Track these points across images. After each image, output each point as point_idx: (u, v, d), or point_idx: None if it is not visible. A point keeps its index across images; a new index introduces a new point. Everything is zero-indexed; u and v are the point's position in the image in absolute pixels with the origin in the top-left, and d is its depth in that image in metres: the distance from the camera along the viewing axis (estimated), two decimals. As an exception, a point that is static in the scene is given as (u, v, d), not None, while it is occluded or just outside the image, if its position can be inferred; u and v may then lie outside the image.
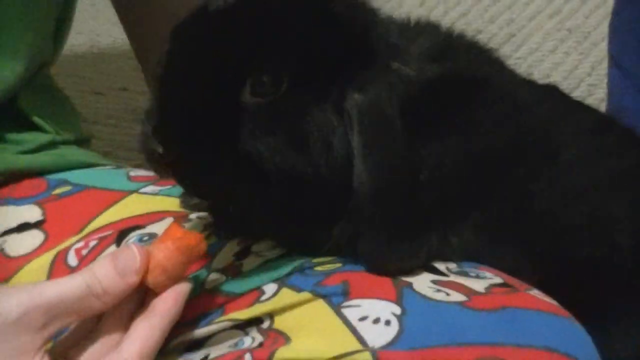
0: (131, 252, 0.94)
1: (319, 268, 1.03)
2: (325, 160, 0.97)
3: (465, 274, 1.03)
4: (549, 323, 0.99)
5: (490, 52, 1.13)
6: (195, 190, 1.00)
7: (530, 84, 1.17)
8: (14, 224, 1.13)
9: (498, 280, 1.03)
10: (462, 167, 1.03)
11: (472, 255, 1.05)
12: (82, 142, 1.29)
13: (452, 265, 1.04)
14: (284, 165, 0.96)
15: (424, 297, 0.98)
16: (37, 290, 0.92)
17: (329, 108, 0.97)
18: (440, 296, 0.99)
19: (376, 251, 1.00)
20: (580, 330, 1.01)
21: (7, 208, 1.15)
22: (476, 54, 1.11)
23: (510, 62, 1.18)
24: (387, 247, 1.00)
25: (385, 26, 1.03)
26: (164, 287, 0.96)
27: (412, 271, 1.01)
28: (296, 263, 1.03)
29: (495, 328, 0.96)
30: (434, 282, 1.01)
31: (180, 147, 0.95)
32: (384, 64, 0.99)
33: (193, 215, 1.10)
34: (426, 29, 1.09)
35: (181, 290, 0.96)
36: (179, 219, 1.10)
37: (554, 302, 1.01)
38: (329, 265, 1.03)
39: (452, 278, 1.02)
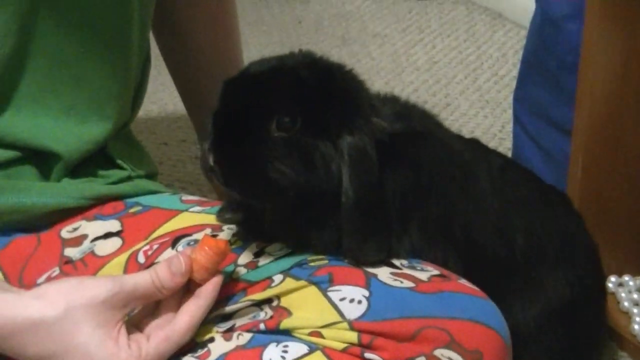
0: (179, 259, 0.95)
1: (312, 263, 1.01)
2: (326, 179, 0.97)
3: (413, 268, 1.02)
4: (473, 302, 0.98)
5: (433, 116, 1.15)
6: (237, 193, 0.99)
7: (459, 137, 1.19)
8: (101, 233, 1.11)
9: (436, 272, 1.02)
10: (412, 189, 1.03)
11: (417, 253, 1.04)
12: (151, 176, 1.27)
13: (405, 262, 1.03)
14: (298, 180, 0.96)
15: (385, 284, 0.97)
16: (120, 280, 0.92)
17: (329, 144, 0.98)
18: (396, 283, 0.98)
19: (356, 246, 1.00)
20: (494, 307, 1.00)
21: (97, 222, 1.13)
22: (424, 117, 1.12)
23: (447, 123, 1.20)
24: (364, 244, 1.00)
25: (368, 93, 1.04)
26: (206, 280, 0.97)
27: (378, 265, 1.01)
28: (296, 260, 1.02)
29: (435, 306, 0.96)
30: (392, 273, 1.00)
31: (227, 160, 0.97)
32: (367, 118, 1.00)
33: (225, 227, 1.08)
34: (392, 99, 1.10)
35: (217, 280, 0.97)
36: (215, 228, 1.10)
37: (476, 287, 1.01)
38: (319, 262, 1.01)
39: (405, 270, 1.01)
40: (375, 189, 0.98)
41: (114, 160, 1.21)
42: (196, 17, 1.51)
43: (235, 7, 1.56)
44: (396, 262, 1.02)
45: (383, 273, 0.99)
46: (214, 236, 1.07)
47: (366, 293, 0.96)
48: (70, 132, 1.13)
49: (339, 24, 2.83)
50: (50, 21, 1.08)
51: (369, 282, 0.97)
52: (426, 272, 1.01)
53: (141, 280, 0.93)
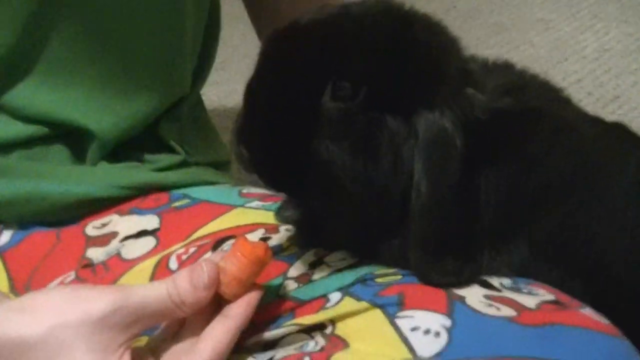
0: (200, 268, 0.74)
1: (379, 279, 0.78)
2: (392, 167, 0.74)
3: (517, 290, 0.77)
4: (594, 340, 0.72)
5: (559, 91, 0.86)
6: (277, 188, 0.78)
7: (595, 121, 0.88)
8: (134, 231, 0.92)
9: (550, 297, 0.76)
10: (518, 194, 0.77)
11: (525, 271, 0.79)
12: (217, 165, 1.06)
13: (506, 281, 0.78)
14: (353, 167, 0.73)
15: (474, 310, 0.73)
16: (124, 293, 0.72)
17: (400, 120, 0.73)
18: (490, 310, 0.73)
19: (425, 262, 0.76)
20: (630, 350, 0.73)
21: (132, 217, 0.94)
22: (545, 92, 0.84)
23: (613, 117, 0.89)
24: (437, 259, 0.75)
25: (462, 55, 0.79)
26: (239, 296, 0.76)
27: (467, 284, 0.76)
28: (360, 274, 0.79)
29: (538, 343, 0.71)
30: (487, 296, 0.75)
31: (261, 147, 0.74)
32: (457, 88, 0.75)
33: (283, 228, 0.87)
34: (501, 67, 0.83)
35: (253, 296, 0.76)
36: (271, 230, 0.88)
37: (606, 321, 0.74)
38: (389, 277, 0.78)
39: (505, 293, 0.76)
40: (461, 186, 0.74)
41: (167, 142, 1.00)
42: None
43: None
44: (494, 281, 0.78)
45: (474, 296, 0.75)
46: (266, 239, 0.85)
47: (447, 322, 0.72)
48: (104, 106, 0.95)
49: (496, 9, 2.59)
50: None
51: (452, 308, 0.74)
52: (535, 296, 0.76)
53: (154, 293, 0.73)
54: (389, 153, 0.73)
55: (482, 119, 0.75)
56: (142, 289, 0.74)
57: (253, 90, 0.75)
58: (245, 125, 0.74)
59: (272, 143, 0.74)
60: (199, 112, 1.11)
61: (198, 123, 1.09)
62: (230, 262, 0.75)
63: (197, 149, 1.04)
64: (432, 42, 0.76)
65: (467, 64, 0.78)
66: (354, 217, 0.77)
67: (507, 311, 0.73)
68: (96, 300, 0.71)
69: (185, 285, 0.73)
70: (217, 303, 0.76)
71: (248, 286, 0.75)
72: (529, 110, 0.79)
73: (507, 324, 0.72)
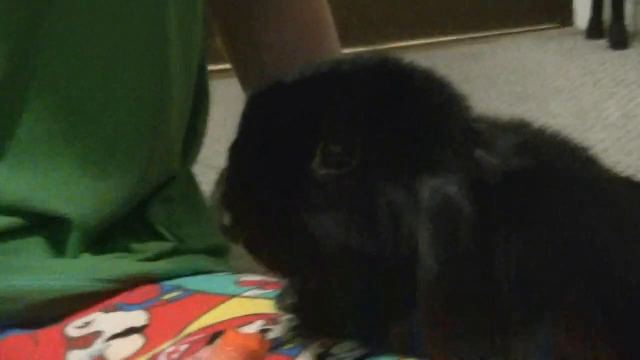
0: None
1: (396, 372, 0.67)
2: (393, 240, 0.64)
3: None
4: None
5: (583, 150, 0.76)
6: (265, 263, 0.69)
7: (627, 183, 0.77)
8: (120, 329, 0.82)
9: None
10: (542, 259, 0.66)
11: (558, 350, 0.67)
12: (216, 252, 0.97)
13: None
14: (348, 242, 0.64)
15: None
16: None
17: (400, 187, 0.64)
18: None
19: (437, 348, 0.66)
20: None
21: (117, 314, 0.84)
22: (566, 151, 0.74)
23: None
24: (449, 344, 0.65)
25: (468, 114, 0.69)
26: None
27: None
28: (373, 365, 0.68)
29: None
30: None
31: (247, 214, 0.66)
32: (464, 150, 0.66)
33: (284, 318, 0.77)
34: (516, 127, 0.73)
35: None
36: (271, 320, 0.78)
37: None
38: (408, 367, 0.67)
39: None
40: (473, 258, 0.64)
41: (155, 228, 0.91)
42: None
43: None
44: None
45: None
46: (265, 331, 0.76)
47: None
48: (86, 191, 0.86)
49: (515, 80, 2.53)
50: (54, 38, 0.82)
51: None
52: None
53: None
54: (389, 225, 0.64)
55: (491, 185, 0.66)
56: None
57: (236, 153, 0.67)
58: (232, 196, 0.66)
59: (259, 214, 0.65)
60: (191, 192, 1.02)
61: (190, 204, 1.00)
62: (219, 358, 0.65)
63: (190, 235, 0.95)
64: (433, 99, 0.67)
65: (475, 124, 0.69)
66: (354, 299, 0.68)
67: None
68: None
69: None
70: None
71: None
72: (545, 169, 0.70)
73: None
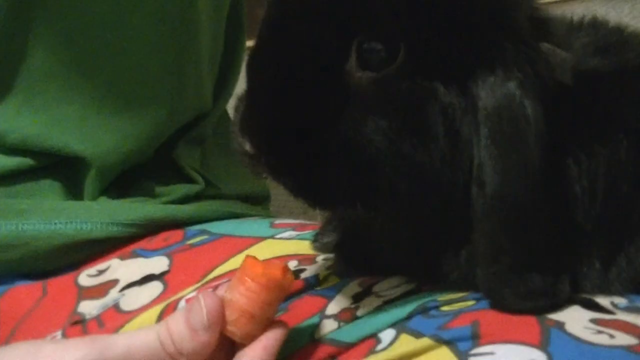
0: (199, 304, 0.56)
1: (446, 307, 0.58)
2: (447, 151, 0.54)
3: (637, 311, 0.56)
4: None
5: None
6: (294, 191, 0.57)
7: None
8: (137, 277, 0.74)
9: (684, 320, 0.55)
10: (628, 175, 0.57)
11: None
12: (254, 199, 0.89)
13: (620, 300, 0.57)
14: (399, 155, 0.54)
15: (578, 340, 0.53)
16: (102, 343, 0.56)
17: (454, 87, 0.54)
18: (601, 339, 0.53)
19: (496, 284, 0.55)
20: None
21: (136, 260, 0.76)
22: None
23: None
24: (511, 279, 0.55)
25: (537, 6, 0.59)
26: (253, 337, 0.57)
27: (566, 306, 0.56)
28: (419, 302, 0.59)
29: None
30: (594, 321, 0.55)
31: (270, 141, 0.55)
32: (529, 43, 0.55)
33: (320, 258, 0.68)
34: (591, 24, 0.63)
35: (272, 338, 0.57)
36: (305, 261, 0.69)
37: None
38: (459, 304, 0.58)
39: (619, 316, 0.55)
40: (541, 173, 0.54)
41: (184, 170, 0.83)
42: None
43: None
44: (604, 300, 0.57)
45: (576, 321, 0.55)
46: (299, 271, 0.66)
47: (542, 358, 0.51)
48: (101, 126, 0.79)
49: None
50: None
51: (547, 338, 0.53)
52: (664, 319, 0.55)
53: (141, 341, 0.56)
54: (442, 132, 0.54)
55: (564, 85, 0.55)
56: (125, 338, 0.57)
57: (257, 62, 0.57)
58: (249, 111, 0.56)
59: (284, 130, 0.55)
60: (224, 132, 0.94)
61: (223, 145, 0.92)
62: (237, 291, 0.57)
63: (221, 178, 0.87)
64: None
65: (542, 12, 0.59)
66: (403, 225, 0.59)
67: (623, 339, 0.52)
68: (63, 355, 0.54)
69: (180, 328, 0.56)
70: (228, 349, 0.59)
71: (264, 322, 0.57)
72: (632, 70, 0.59)
73: (625, 354, 0.51)
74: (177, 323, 0.56)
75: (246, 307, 0.56)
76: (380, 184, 0.55)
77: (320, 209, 0.58)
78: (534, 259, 0.55)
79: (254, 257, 0.58)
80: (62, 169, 0.79)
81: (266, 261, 0.57)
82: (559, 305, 0.56)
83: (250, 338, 0.57)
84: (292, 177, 0.56)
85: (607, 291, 0.58)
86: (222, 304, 0.56)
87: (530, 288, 0.55)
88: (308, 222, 0.77)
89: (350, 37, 0.55)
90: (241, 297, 0.56)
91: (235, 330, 0.57)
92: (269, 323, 0.57)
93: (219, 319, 0.56)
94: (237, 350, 0.58)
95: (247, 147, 0.56)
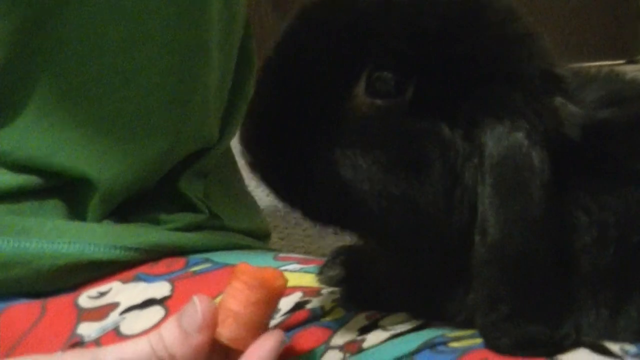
0: (193, 306, 0.57)
1: (454, 344, 0.58)
2: (447, 192, 0.55)
3: (646, 359, 0.56)
4: None
5: None
6: (294, 210, 0.59)
7: None
8: (138, 300, 0.75)
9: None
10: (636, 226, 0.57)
11: None
12: (255, 234, 0.89)
13: (630, 347, 0.57)
14: (392, 186, 0.55)
15: None
16: (96, 355, 0.57)
17: (459, 131, 0.55)
18: None
19: (494, 332, 0.55)
20: None
21: (138, 285, 0.77)
22: None
23: None
24: (509, 329, 0.55)
25: (550, 56, 0.59)
26: (244, 343, 0.58)
27: (573, 348, 0.55)
28: (426, 337, 0.59)
29: None
30: None
31: (272, 151, 0.57)
32: (539, 95, 0.56)
33: (325, 291, 0.69)
34: (605, 77, 0.64)
35: (267, 348, 0.58)
36: (309, 293, 0.70)
37: None
38: (468, 341, 0.58)
39: (627, 363, 0.55)
40: (542, 225, 0.55)
41: (189, 199, 0.83)
42: None
43: None
44: (613, 347, 0.57)
45: (582, 364, 0.55)
46: (303, 303, 0.67)
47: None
48: (107, 151, 0.80)
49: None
50: None
51: (555, 380, 0.53)
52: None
53: (132, 350, 0.58)
54: (440, 172, 0.55)
55: (572, 138, 0.56)
56: (117, 349, 0.58)
57: (267, 82, 0.58)
58: (256, 130, 0.58)
59: (282, 148, 0.57)
60: (228, 168, 0.95)
61: (226, 180, 0.93)
62: (227, 293, 0.58)
63: (225, 213, 0.88)
64: (509, 32, 0.58)
65: (555, 67, 0.60)
66: (403, 261, 0.59)
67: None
68: None
69: (173, 333, 0.58)
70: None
71: (253, 326, 0.58)
72: (637, 123, 0.60)
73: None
74: (169, 328, 0.58)
75: (231, 305, 0.58)
76: (370, 211, 0.56)
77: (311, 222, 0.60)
78: (533, 308, 0.56)
79: (247, 263, 0.59)
80: (68, 191, 0.80)
81: (260, 267, 0.58)
82: (564, 349, 0.56)
83: (238, 341, 0.58)
84: (288, 195, 0.58)
85: (614, 340, 0.58)
86: (216, 307, 0.58)
87: (528, 338, 0.56)
88: (311, 258, 0.78)
89: (364, 62, 0.56)
90: (227, 296, 0.58)
91: (221, 331, 0.58)
92: (261, 328, 0.58)
93: (212, 321, 0.57)
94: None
95: (248, 158, 0.58)
